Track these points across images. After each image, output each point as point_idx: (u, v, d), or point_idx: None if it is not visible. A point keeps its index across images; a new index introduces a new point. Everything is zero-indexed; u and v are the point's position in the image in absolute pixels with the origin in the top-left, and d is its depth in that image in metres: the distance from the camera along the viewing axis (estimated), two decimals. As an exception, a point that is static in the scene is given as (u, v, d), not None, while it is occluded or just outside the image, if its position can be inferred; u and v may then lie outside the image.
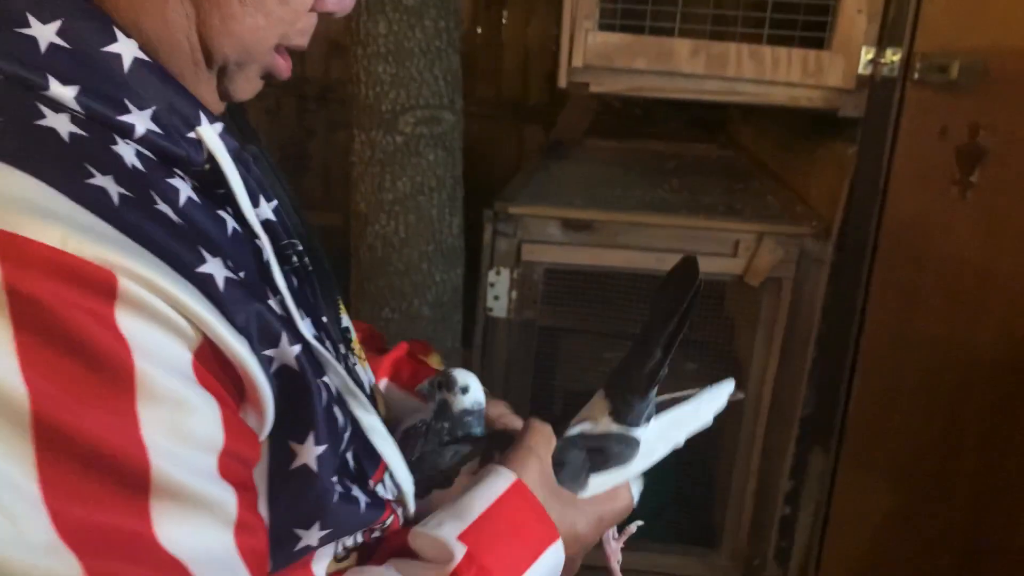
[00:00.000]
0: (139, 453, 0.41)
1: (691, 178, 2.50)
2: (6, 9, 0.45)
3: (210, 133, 0.52)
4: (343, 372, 0.58)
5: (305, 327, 0.56)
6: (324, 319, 0.63)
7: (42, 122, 0.43)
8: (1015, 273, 1.71)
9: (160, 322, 0.42)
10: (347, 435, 0.58)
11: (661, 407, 0.76)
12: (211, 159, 0.52)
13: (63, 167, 0.42)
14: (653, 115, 3.48)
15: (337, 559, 0.62)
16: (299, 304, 0.58)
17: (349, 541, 0.62)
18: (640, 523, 0.84)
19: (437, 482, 0.71)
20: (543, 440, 0.70)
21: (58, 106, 0.45)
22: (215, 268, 0.46)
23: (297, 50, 0.59)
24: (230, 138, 0.54)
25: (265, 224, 0.57)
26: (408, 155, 1.72)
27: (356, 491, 0.59)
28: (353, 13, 1.68)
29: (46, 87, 0.45)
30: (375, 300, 1.80)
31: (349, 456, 0.59)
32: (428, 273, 1.79)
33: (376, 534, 0.64)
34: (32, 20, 0.45)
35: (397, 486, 0.66)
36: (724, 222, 1.95)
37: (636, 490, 0.76)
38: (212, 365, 0.45)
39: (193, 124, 0.52)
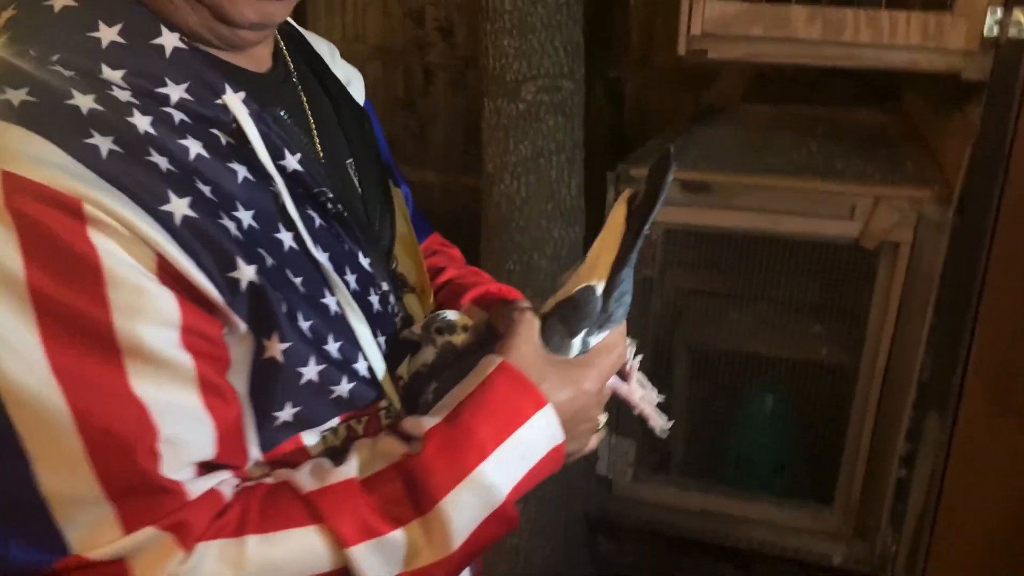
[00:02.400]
0: (107, 320, 0.60)
1: (834, 144, 2.49)
2: (84, 16, 0.66)
3: (233, 99, 0.70)
4: (346, 291, 0.74)
5: (320, 256, 0.73)
6: (362, 256, 0.79)
7: (69, 101, 0.63)
8: None
9: (118, 237, 0.60)
10: (335, 341, 0.73)
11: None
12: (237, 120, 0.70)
13: (68, 131, 0.61)
14: (823, 82, 3.43)
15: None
16: (318, 238, 0.74)
17: (332, 435, 0.75)
18: (640, 356, 0.89)
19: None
20: (526, 323, 0.77)
21: (97, 86, 0.64)
22: (176, 208, 0.63)
23: None
24: (252, 103, 0.71)
25: (293, 174, 0.73)
26: (529, 121, 1.89)
27: (338, 385, 0.73)
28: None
29: (100, 72, 0.65)
30: (500, 253, 1.98)
31: (335, 354, 0.74)
32: (547, 229, 1.96)
33: (359, 426, 0.77)
34: (101, 25, 0.66)
35: (379, 383, 0.78)
36: (841, 185, 1.98)
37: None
38: (172, 272, 0.62)
39: (220, 93, 0.69)
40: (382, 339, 0.79)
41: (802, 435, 2.30)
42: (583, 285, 0.79)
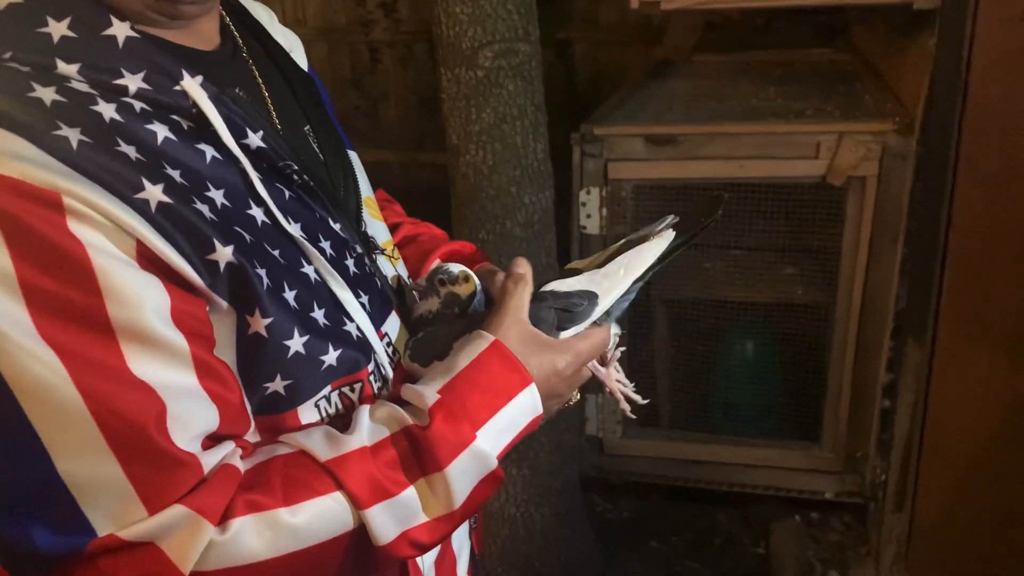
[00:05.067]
0: (102, 308, 0.60)
1: (792, 85, 2.51)
2: (31, 12, 0.65)
3: (192, 84, 0.70)
4: (323, 259, 0.76)
5: (292, 228, 0.75)
6: (332, 222, 0.81)
7: (31, 94, 0.62)
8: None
9: (99, 227, 0.60)
10: (320, 308, 0.75)
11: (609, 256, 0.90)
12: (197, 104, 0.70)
13: (35, 124, 0.61)
14: (773, 25, 3.43)
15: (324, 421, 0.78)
16: (288, 211, 0.75)
17: (327, 404, 0.77)
18: (623, 348, 0.96)
19: (436, 355, 0.85)
20: (516, 299, 0.83)
21: (55, 80, 0.64)
22: (151, 195, 0.63)
23: None
24: (211, 86, 0.71)
25: (257, 151, 0.74)
26: (490, 88, 1.87)
27: (326, 354, 0.75)
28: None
29: (55, 67, 0.64)
30: (472, 223, 1.97)
31: (322, 321, 0.76)
32: (517, 196, 1.95)
33: (352, 393, 0.79)
34: (49, 20, 0.65)
35: (368, 343, 0.81)
36: (805, 125, 1.99)
37: (613, 327, 0.91)
38: (152, 258, 0.63)
39: (177, 79, 0.69)
40: (364, 299, 0.82)
41: (785, 376, 2.33)
42: (589, 290, 0.87)
